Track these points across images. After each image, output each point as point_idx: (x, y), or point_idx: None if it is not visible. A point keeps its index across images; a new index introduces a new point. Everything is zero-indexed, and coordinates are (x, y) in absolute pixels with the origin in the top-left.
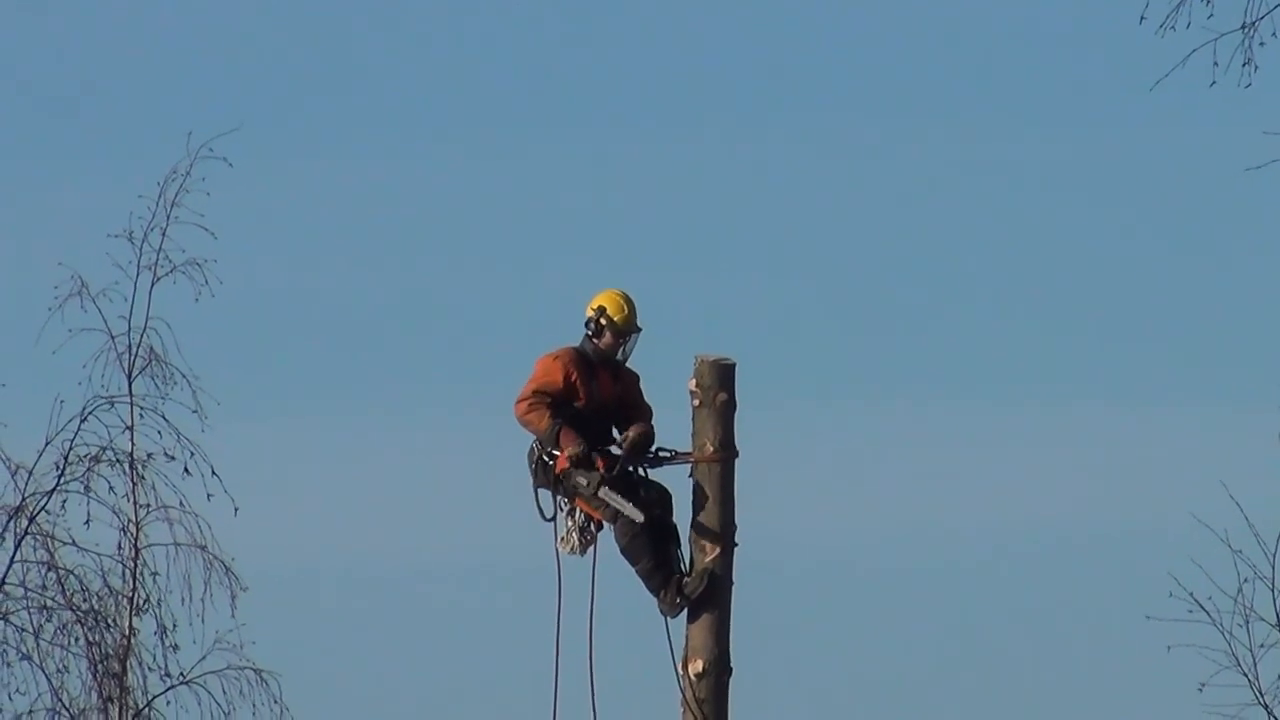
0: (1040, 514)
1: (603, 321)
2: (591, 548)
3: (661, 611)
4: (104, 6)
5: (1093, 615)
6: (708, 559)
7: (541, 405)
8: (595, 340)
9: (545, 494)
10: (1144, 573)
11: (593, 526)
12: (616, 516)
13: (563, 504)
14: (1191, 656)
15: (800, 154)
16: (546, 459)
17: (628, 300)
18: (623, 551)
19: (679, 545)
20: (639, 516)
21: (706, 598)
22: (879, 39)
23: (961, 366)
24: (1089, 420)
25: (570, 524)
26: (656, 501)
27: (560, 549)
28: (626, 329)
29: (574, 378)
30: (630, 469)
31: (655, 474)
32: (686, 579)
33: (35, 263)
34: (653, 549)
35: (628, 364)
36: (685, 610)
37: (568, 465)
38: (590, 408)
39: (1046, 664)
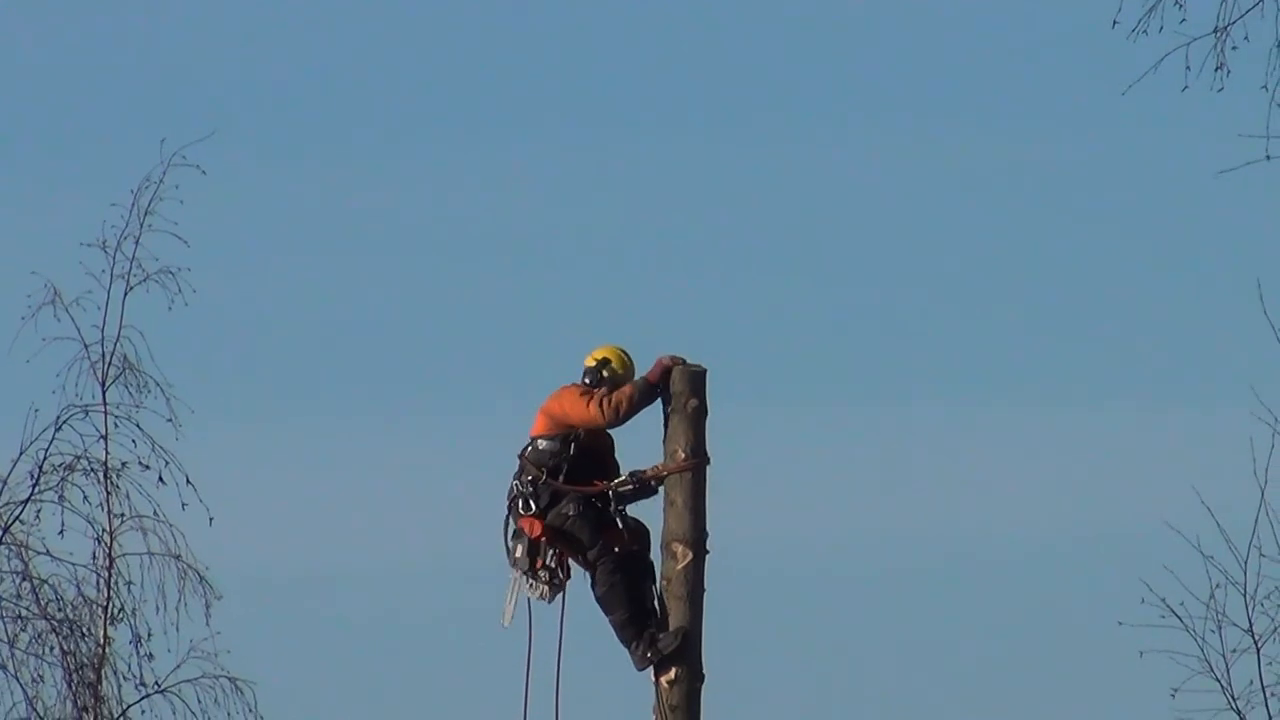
0: (1013, 519)
1: (604, 373)
2: (560, 594)
3: (634, 663)
4: (76, 14)
5: (1065, 621)
6: (679, 564)
7: (605, 392)
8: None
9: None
10: (1116, 579)
11: (562, 573)
12: (599, 552)
13: (533, 557)
14: (1164, 662)
15: (767, 160)
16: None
17: (628, 356)
18: (599, 600)
19: (655, 582)
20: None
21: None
22: (855, 41)
23: (934, 372)
24: (1062, 425)
25: (539, 575)
26: (635, 536)
27: (530, 595)
28: (624, 373)
29: None
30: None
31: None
32: (660, 636)
33: (7, 272)
34: (629, 597)
35: None
36: (660, 657)
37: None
38: (587, 441)
39: (1019, 669)
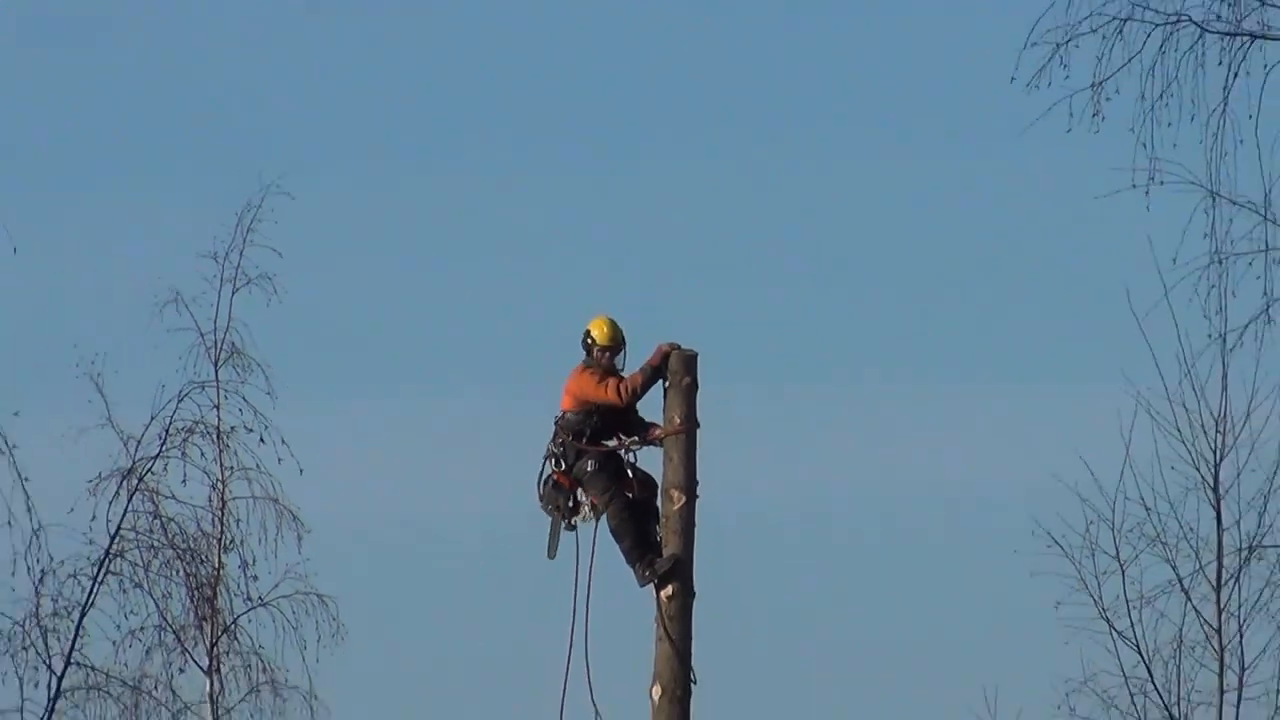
0: (938, 474)
1: (589, 343)
2: (580, 525)
3: (637, 580)
4: (184, 66)
5: (977, 551)
6: (675, 506)
7: (614, 377)
8: (593, 358)
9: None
10: (1016, 519)
11: (591, 512)
12: (610, 495)
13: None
14: (1050, 581)
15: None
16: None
17: (610, 322)
18: (612, 531)
19: (657, 522)
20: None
21: (675, 569)
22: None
23: (877, 358)
24: (982, 402)
25: (566, 515)
26: (643, 485)
27: (563, 530)
28: (609, 344)
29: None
30: (626, 455)
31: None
32: (657, 559)
33: (139, 278)
34: (635, 529)
35: (624, 371)
36: (658, 578)
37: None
38: (607, 410)
39: (942, 588)
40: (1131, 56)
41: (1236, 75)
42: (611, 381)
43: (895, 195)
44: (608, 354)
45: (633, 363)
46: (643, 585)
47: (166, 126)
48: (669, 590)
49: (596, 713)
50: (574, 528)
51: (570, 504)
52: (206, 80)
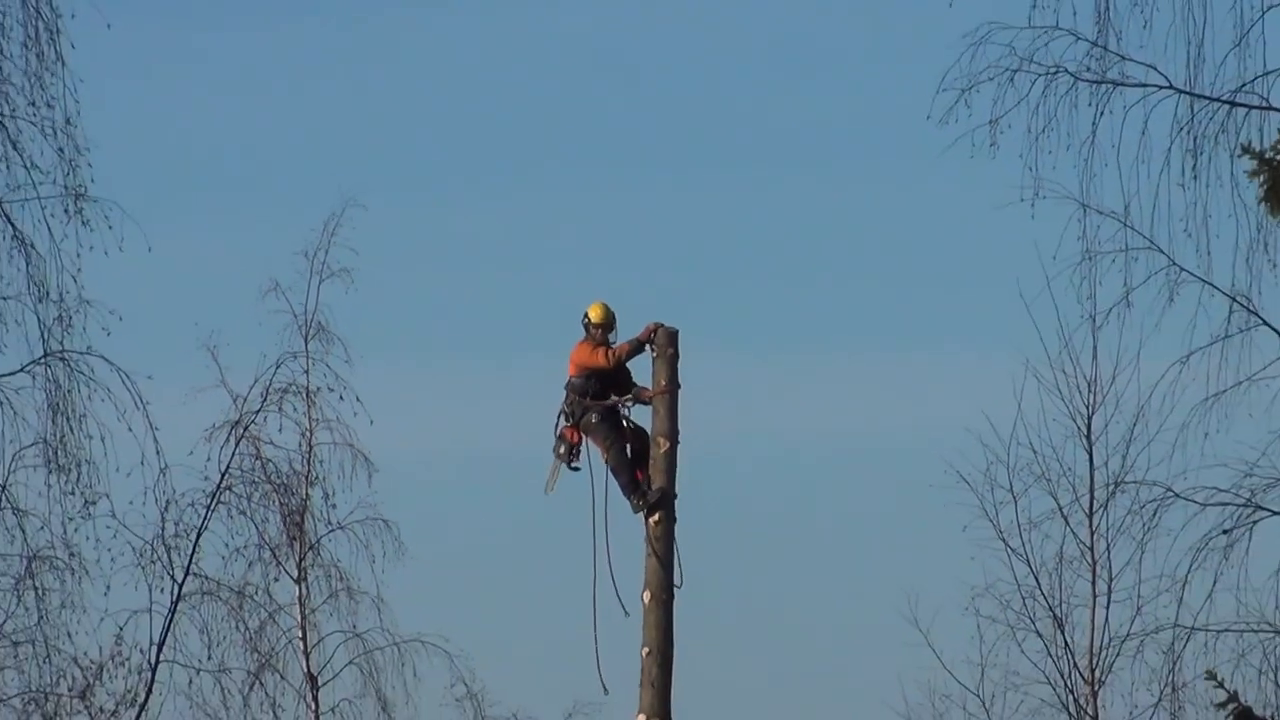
0: (875, 425)
1: (587, 323)
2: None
3: (631, 509)
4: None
5: (901, 486)
6: (661, 450)
7: (604, 346)
8: (590, 334)
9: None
10: (933, 461)
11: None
12: (610, 441)
13: (570, 450)
14: (958, 510)
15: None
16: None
17: (603, 306)
18: (610, 469)
19: (646, 463)
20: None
21: (660, 500)
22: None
23: (826, 328)
24: (899, 367)
25: (570, 461)
26: (636, 435)
27: (568, 470)
28: (601, 322)
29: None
30: (622, 410)
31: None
32: (648, 492)
33: (246, 271)
34: (630, 469)
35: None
36: (648, 506)
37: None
38: (605, 374)
39: (872, 518)
40: (1020, 99)
41: (1102, 114)
42: (602, 349)
43: (844, 210)
44: (601, 330)
45: (624, 339)
46: (636, 513)
47: (272, 150)
48: (656, 517)
49: (623, 608)
50: (577, 469)
51: (574, 451)
52: (303, 114)
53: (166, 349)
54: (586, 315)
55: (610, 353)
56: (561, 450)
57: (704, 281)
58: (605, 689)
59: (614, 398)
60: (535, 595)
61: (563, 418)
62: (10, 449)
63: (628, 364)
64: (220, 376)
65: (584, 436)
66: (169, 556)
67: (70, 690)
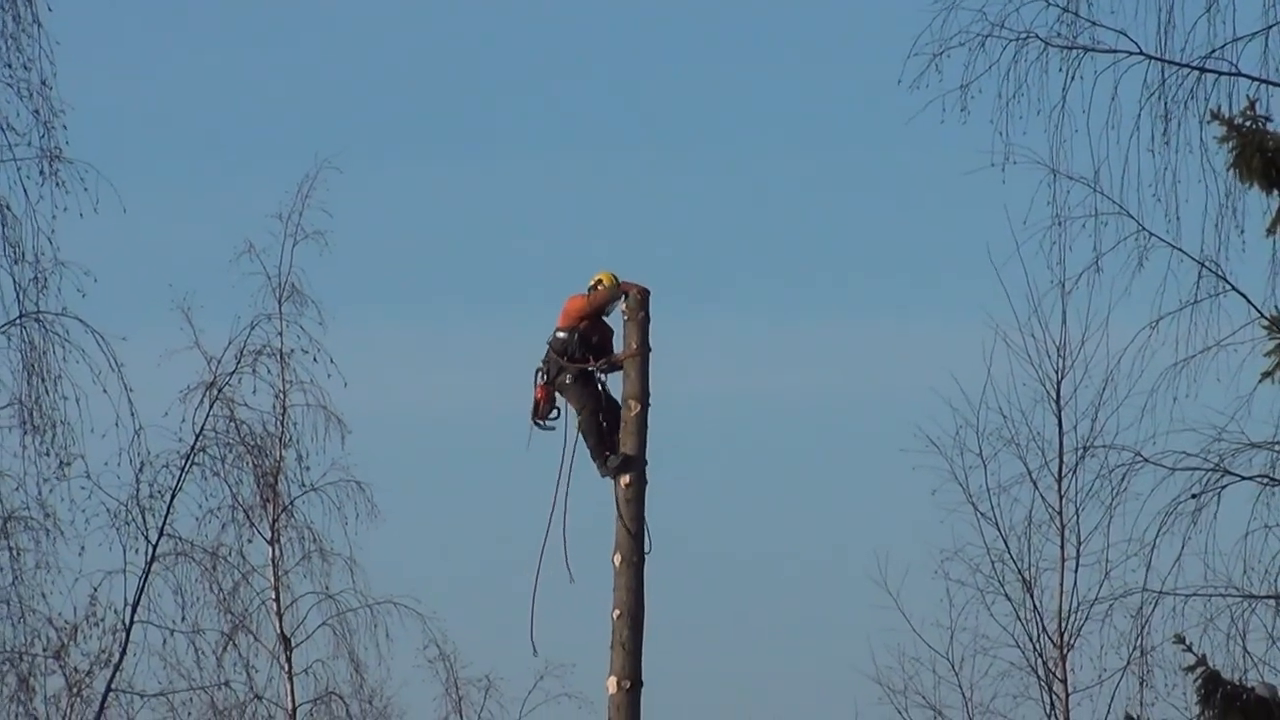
0: (839, 390)
1: (598, 287)
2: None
3: (600, 473)
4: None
5: (874, 448)
6: (632, 413)
7: (588, 294)
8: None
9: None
10: (899, 424)
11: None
12: (582, 403)
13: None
14: (928, 474)
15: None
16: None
17: (616, 278)
18: (581, 431)
19: (618, 429)
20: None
21: (628, 461)
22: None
23: (795, 289)
24: (870, 330)
25: (546, 419)
26: (609, 399)
27: (542, 429)
28: (615, 296)
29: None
30: (598, 376)
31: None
32: (612, 456)
33: (219, 233)
34: (598, 433)
35: (607, 320)
36: (613, 472)
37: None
38: (589, 332)
39: (843, 481)
40: (991, 64)
41: (1072, 79)
42: (585, 295)
43: (814, 174)
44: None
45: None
46: (603, 476)
47: (244, 115)
48: (626, 479)
49: (570, 574)
50: (549, 429)
51: (544, 410)
52: (277, 79)
53: (141, 311)
54: (599, 281)
55: (588, 299)
56: (537, 408)
57: (674, 247)
58: (535, 650)
59: (590, 360)
60: (508, 558)
61: (539, 375)
62: None
63: (611, 338)
64: (194, 338)
65: (558, 396)
66: (143, 518)
67: (45, 651)
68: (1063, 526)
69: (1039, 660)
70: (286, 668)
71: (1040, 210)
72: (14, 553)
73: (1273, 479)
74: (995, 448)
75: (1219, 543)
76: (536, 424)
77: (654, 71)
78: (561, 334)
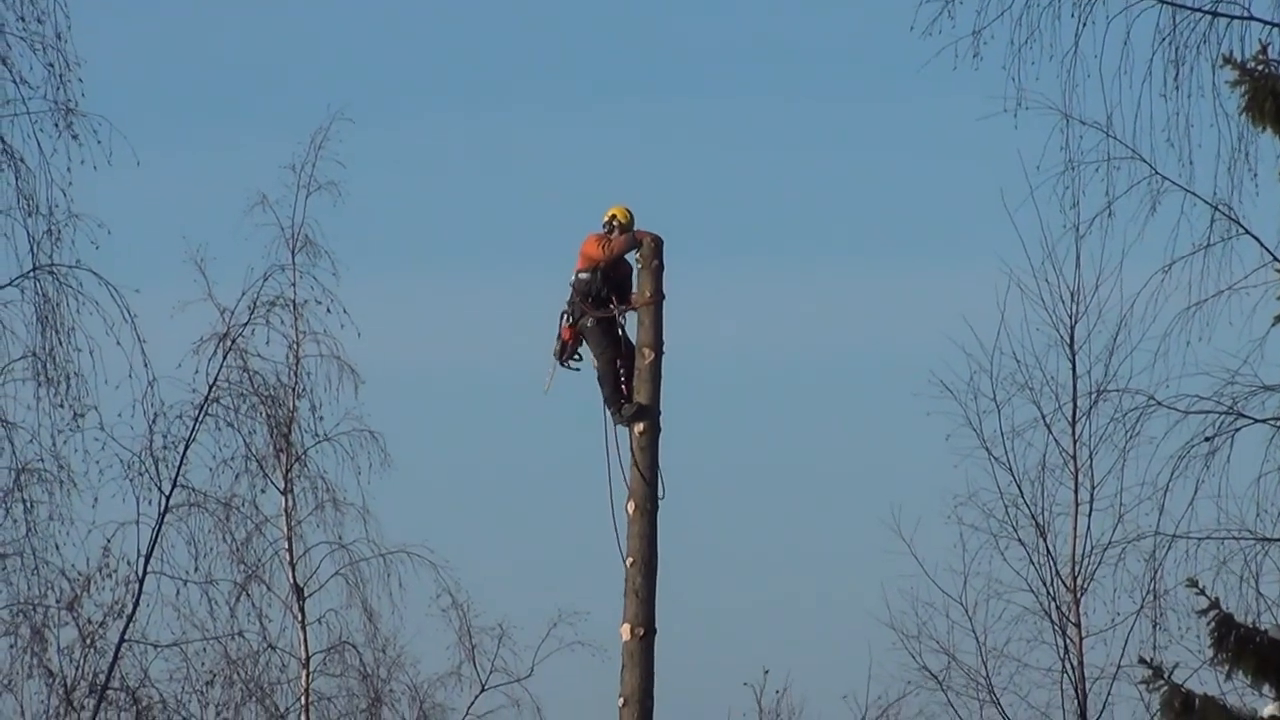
0: (853, 337)
1: (615, 225)
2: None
3: (614, 420)
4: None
5: (884, 396)
6: (646, 361)
7: (608, 239)
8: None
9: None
10: (913, 370)
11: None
12: (601, 349)
13: (565, 349)
14: (942, 419)
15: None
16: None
17: (630, 212)
18: (598, 378)
19: (633, 377)
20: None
21: (642, 410)
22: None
23: (809, 241)
24: (884, 277)
25: (568, 361)
26: (628, 345)
27: (564, 370)
28: (627, 223)
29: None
30: (620, 321)
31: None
32: (628, 404)
33: (232, 185)
34: (614, 380)
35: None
36: (627, 420)
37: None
38: (609, 272)
39: (857, 427)
40: (1003, 10)
41: (1085, 24)
42: (603, 241)
43: (829, 121)
44: (618, 231)
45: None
46: (617, 425)
47: (259, 68)
48: (640, 428)
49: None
50: (576, 369)
51: (570, 351)
52: (292, 28)
53: (154, 263)
54: (614, 216)
55: (607, 244)
56: (557, 349)
57: (690, 195)
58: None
59: (612, 304)
60: (520, 506)
61: (564, 317)
62: None
63: (630, 274)
64: (208, 290)
65: (577, 339)
66: (157, 468)
67: (58, 602)
68: (1076, 471)
69: (1052, 604)
70: (300, 618)
71: (1053, 156)
72: (28, 504)
73: None
74: (1009, 393)
75: (1232, 485)
76: (563, 364)
77: (671, 20)
78: (584, 275)
